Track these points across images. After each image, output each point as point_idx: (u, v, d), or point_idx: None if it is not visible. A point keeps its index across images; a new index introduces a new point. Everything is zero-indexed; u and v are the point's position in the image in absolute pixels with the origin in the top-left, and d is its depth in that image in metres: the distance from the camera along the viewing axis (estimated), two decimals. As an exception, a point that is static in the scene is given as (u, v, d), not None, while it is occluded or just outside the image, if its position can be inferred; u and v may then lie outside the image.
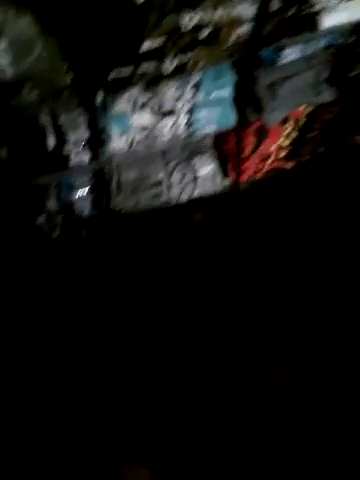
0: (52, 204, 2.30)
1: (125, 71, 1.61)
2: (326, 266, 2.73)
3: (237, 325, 2.59)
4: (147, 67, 1.62)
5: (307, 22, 1.82)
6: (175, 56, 1.62)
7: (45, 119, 1.83)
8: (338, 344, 2.46)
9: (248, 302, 2.69)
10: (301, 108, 2.48)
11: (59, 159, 1.99)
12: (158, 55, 1.56)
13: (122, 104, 1.88)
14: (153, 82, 1.84)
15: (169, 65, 1.64)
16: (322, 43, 2.03)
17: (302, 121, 2.61)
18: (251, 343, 2.51)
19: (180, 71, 1.67)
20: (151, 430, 2.26)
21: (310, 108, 2.52)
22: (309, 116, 2.57)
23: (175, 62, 1.64)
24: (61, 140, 1.90)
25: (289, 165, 2.84)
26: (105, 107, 1.89)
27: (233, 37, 1.59)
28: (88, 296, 2.61)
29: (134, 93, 1.88)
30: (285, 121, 2.54)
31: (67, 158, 1.99)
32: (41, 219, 2.35)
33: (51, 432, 2.23)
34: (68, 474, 2.12)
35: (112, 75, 1.60)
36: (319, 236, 2.84)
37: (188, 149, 2.54)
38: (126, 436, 2.23)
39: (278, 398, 2.33)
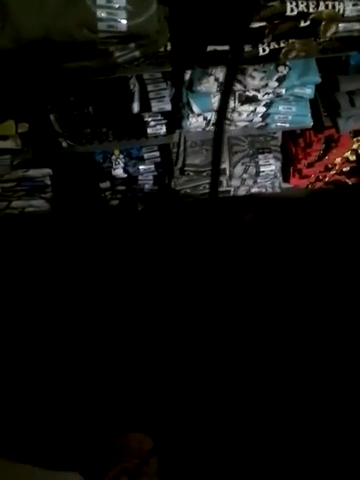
0: (118, 171, 2.39)
1: (222, 48, 1.68)
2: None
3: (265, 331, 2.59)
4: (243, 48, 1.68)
5: None
6: (271, 41, 1.68)
7: (134, 83, 1.93)
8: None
9: (280, 309, 2.69)
10: (375, 124, 2.49)
11: (138, 126, 2.08)
12: (257, 37, 1.63)
13: (209, 83, 1.96)
14: (241, 67, 1.91)
15: (263, 49, 1.70)
16: None
17: (372, 138, 2.63)
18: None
19: (273, 57, 1.73)
20: (156, 403, 2.29)
21: (383, 126, 2.53)
22: (379, 133, 2.59)
23: (270, 47, 1.70)
24: (145, 107, 1.98)
25: (351, 181, 2.85)
26: (192, 83, 1.98)
27: (330, 32, 1.64)
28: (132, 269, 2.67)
29: (221, 75, 1.95)
30: (357, 134, 2.56)
31: (145, 126, 2.08)
32: (105, 184, 2.45)
33: (58, 400, 2.30)
34: (75, 440, 2.17)
35: (209, 49, 1.67)
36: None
37: (256, 145, 2.60)
38: (132, 406, 2.27)
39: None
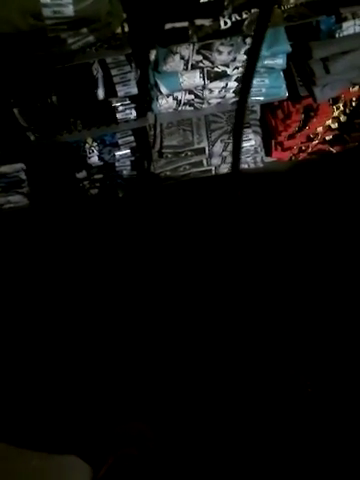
0: (94, 160, 2.33)
1: (180, 25, 1.60)
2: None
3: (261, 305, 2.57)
4: (203, 22, 1.61)
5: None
6: (232, 13, 1.60)
7: (97, 69, 1.86)
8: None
9: (274, 283, 2.66)
10: (354, 90, 2.41)
11: (106, 112, 2.02)
12: (215, 10, 1.55)
13: (174, 62, 1.88)
14: (206, 43, 1.83)
15: (225, 22, 1.63)
16: (385, 18, 1.95)
17: (353, 104, 2.55)
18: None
19: (236, 30, 1.65)
20: (156, 392, 2.29)
21: (363, 91, 2.46)
22: (360, 99, 2.51)
23: (232, 19, 1.62)
24: (111, 93, 1.92)
25: (335, 149, 2.78)
26: (157, 64, 1.90)
27: (294, -1, 1.56)
28: (112, 255, 2.64)
29: (187, 52, 1.88)
30: (336, 101, 2.48)
31: (114, 112, 2.01)
32: (81, 174, 2.39)
33: (58, 389, 2.30)
34: (73, 429, 2.18)
35: (167, 27, 1.60)
36: (356, 225, 2.78)
37: (233, 121, 2.52)
38: (132, 395, 2.27)
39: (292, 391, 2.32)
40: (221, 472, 2.13)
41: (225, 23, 1.65)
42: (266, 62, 2.02)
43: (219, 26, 1.65)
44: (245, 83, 1.00)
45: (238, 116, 0.98)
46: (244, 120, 1.15)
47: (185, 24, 1.60)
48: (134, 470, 1.99)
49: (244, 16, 1.64)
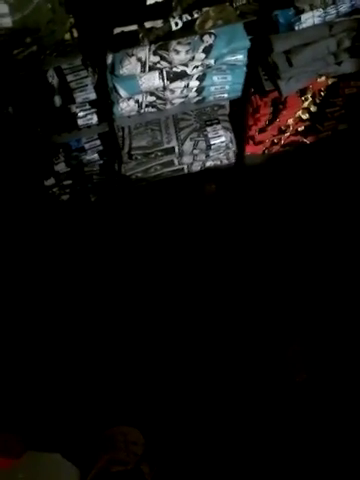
0: (61, 166, 2.30)
1: (129, 28, 1.56)
2: (339, 245, 2.66)
3: (247, 301, 2.56)
4: (153, 24, 1.57)
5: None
6: (183, 13, 1.56)
7: (52, 76, 1.82)
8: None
9: (258, 277, 2.65)
10: (322, 80, 2.38)
11: (67, 119, 1.98)
12: (164, 11, 1.51)
13: (131, 65, 1.84)
14: (162, 43, 1.79)
15: (176, 23, 1.58)
16: (345, 7, 1.91)
17: (322, 94, 2.51)
18: (265, 320, 2.47)
19: (188, 30, 1.62)
20: (146, 396, 2.29)
21: (331, 81, 2.42)
22: (330, 89, 2.47)
23: (183, 19, 1.58)
24: (68, 99, 1.88)
25: (309, 140, 2.75)
26: (113, 67, 1.86)
27: (244, -5, 1.52)
28: (93, 261, 2.62)
29: (143, 54, 1.84)
30: (304, 92, 2.45)
31: (74, 118, 1.98)
32: (50, 181, 2.36)
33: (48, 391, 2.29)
34: (62, 431, 2.17)
35: (116, 32, 1.56)
36: (334, 214, 2.76)
37: (202, 118, 2.49)
38: (122, 399, 2.27)
39: (291, 378, 2.32)
40: (214, 474, 2.14)
41: (176, 24, 1.61)
42: (227, 59, 1.98)
43: (170, 27, 1.61)
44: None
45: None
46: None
47: (134, 27, 1.56)
48: (123, 474, 2.00)
49: (195, 16, 1.60)
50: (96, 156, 2.34)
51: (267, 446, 2.17)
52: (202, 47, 1.86)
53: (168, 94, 2.01)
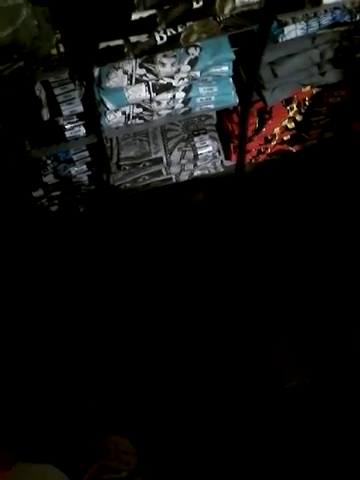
0: (49, 178, 2.31)
1: (115, 43, 1.58)
2: (329, 252, 2.69)
3: (237, 305, 2.57)
4: (138, 39, 1.59)
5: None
6: (167, 27, 1.58)
7: (39, 89, 1.83)
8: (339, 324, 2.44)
9: (248, 282, 2.66)
10: (306, 90, 2.42)
11: (54, 131, 1.99)
12: (149, 26, 1.54)
13: (117, 78, 1.87)
14: (148, 56, 1.82)
15: (160, 37, 1.61)
16: (326, 20, 1.96)
17: (307, 104, 2.55)
18: (254, 323, 2.49)
19: (173, 44, 1.64)
20: (138, 405, 2.29)
21: (316, 90, 2.46)
22: (314, 99, 2.51)
23: (167, 34, 1.61)
24: (56, 112, 1.89)
25: (295, 149, 2.79)
26: (100, 80, 1.88)
27: (227, 9, 1.55)
28: (85, 273, 2.63)
29: (129, 67, 1.86)
30: (289, 102, 2.49)
31: (62, 131, 1.99)
32: (38, 193, 2.36)
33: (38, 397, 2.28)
34: (53, 440, 2.16)
35: (102, 46, 1.58)
36: (322, 221, 2.79)
37: (190, 128, 2.52)
38: (112, 408, 2.26)
39: (277, 384, 2.33)
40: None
41: (161, 38, 1.63)
42: (212, 70, 2.01)
43: (155, 41, 1.63)
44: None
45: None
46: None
47: (120, 42, 1.58)
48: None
49: (180, 30, 1.63)
50: (84, 167, 2.35)
51: (260, 454, 2.17)
52: (188, 59, 1.89)
53: (155, 105, 2.03)
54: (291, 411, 2.25)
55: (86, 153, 2.31)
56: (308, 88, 2.40)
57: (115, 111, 2.01)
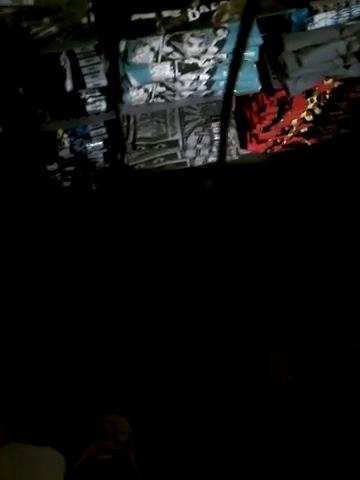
0: (65, 152, 2.29)
1: (147, 16, 1.57)
2: (333, 245, 2.68)
3: (236, 302, 2.57)
4: (171, 14, 1.58)
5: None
6: (201, 4, 1.57)
7: (64, 60, 1.82)
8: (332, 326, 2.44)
9: (248, 277, 2.66)
10: (328, 82, 2.41)
11: (76, 104, 1.98)
12: (182, 2, 1.52)
13: (144, 54, 1.85)
14: (177, 34, 1.80)
15: (193, 14, 1.60)
16: (358, 11, 1.94)
17: (327, 97, 2.54)
18: (247, 323, 2.49)
19: (204, 22, 1.63)
20: (134, 385, 2.29)
21: (337, 84, 2.45)
22: (335, 92, 2.50)
23: (200, 11, 1.59)
24: (79, 84, 1.88)
25: (310, 142, 2.78)
26: (126, 55, 1.86)
27: (263, -10, 1.54)
28: (91, 250, 2.61)
29: (157, 44, 1.84)
30: (310, 94, 2.48)
31: (84, 104, 1.98)
32: (53, 167, 2.35)
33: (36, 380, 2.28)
34: (49, 421, 2.17)
35: (134, 18, 1.56)
36: (328, 218, 2.79)
37: (208, 113, 2.51)
38: (109, 387, 2.26)
39: (271, 382, 2.33)
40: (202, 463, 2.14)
41: (193, 15, 1.62)
42: (238, 54, 1.99)
43: (187, 18, 1.62)
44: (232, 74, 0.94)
45: (225, 107, 0.92)
46: (230, 111, 1.08)
47: (152, 15, 1.56)
48: (110, 462, 2.00)
49: (213, 8, 1.62)
50: (101, 144, 2.34)
51: (255, 437, 2.18)
52: (215, 41, 1.88)
53: (178, 86, 2.02)
54: (285, 406, 2.26)
55: (104, 130, 2.30)
56: (330, 81, 2.39)
57: (138, 88, 1.99)
